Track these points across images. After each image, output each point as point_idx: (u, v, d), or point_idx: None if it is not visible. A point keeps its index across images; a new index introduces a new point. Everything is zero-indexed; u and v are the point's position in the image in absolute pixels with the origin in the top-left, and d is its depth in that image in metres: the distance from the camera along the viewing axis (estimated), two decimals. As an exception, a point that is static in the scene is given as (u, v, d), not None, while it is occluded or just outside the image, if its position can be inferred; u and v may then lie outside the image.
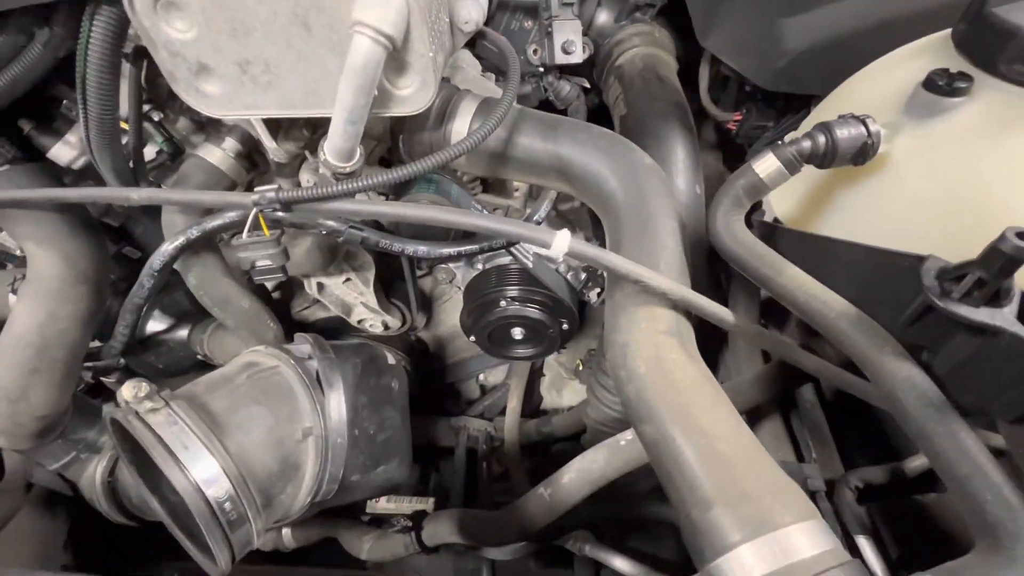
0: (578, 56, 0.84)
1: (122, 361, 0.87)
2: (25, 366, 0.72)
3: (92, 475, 0.87)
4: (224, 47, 0.52)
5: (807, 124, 0.62)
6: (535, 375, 1.29)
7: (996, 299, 0.35)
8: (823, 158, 0.45)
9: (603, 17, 1.03)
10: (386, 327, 1.03)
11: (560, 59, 0.83)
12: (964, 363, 0.37)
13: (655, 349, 0.45)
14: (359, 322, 1.00)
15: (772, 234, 0.53)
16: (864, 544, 0.67)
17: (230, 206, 0.57)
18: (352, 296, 0.93)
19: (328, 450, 0.53)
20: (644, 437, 0.43)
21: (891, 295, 0.41)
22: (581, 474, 0.72)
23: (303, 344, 0.60)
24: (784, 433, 0.80)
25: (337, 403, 0.54)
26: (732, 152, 1.11)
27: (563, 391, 1.31)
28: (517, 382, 1.24)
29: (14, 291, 0.82)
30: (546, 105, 0.97)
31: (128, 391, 0.46)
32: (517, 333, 0.99)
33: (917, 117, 0.44)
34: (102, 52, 0.54)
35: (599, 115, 1.01)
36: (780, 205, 0.55)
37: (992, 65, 0.43)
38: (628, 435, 0.74)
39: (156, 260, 0.64)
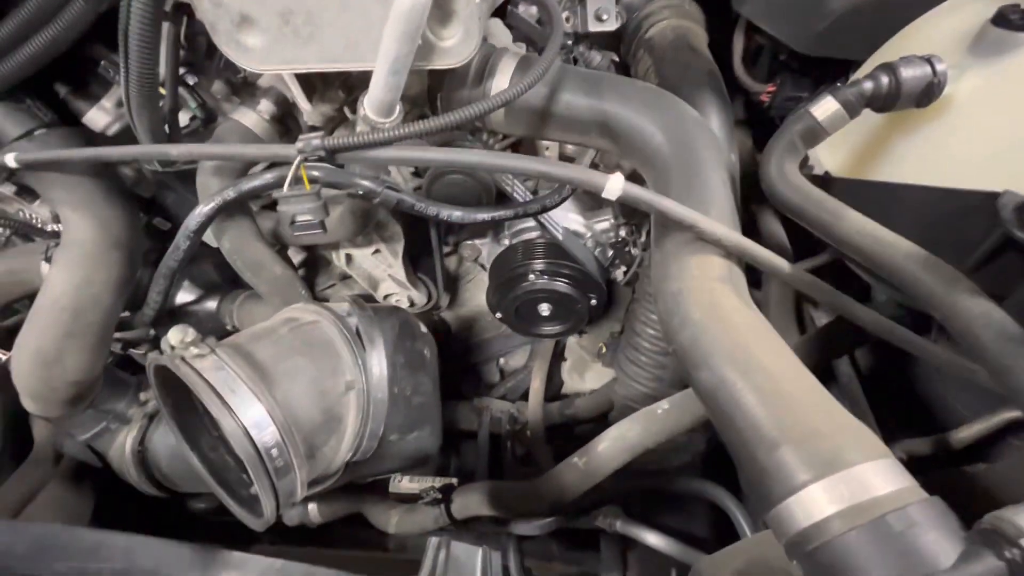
0: (611, 23, 0.83)
1: (152, 332, 0.88)
2: (60, 329, 0.72)
3: (122, 445, 0.88)
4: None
5: (869, 65, 0.60)
6: (556, 359, 1.28)
7: (1082, 229, 0.33)
8: (885, 100, 0.44)
9: (631, -10, 1.02)
10: (412, 303, 1.03)
11: (593, 26, 0.82)
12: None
13: (709, 295, 0.43)
14: (385, 297, 1.00)
15: (825, 188, 0.52)
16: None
17: (275, 157, 0.56)
18: (380, 269, 0.93)
19: (369, 405, 0.53)
20: (700, 384, 0.42)
21: (959, 236, 0.40)
22: (617, 442, 0.71)
23: (342, 302, 0.59)
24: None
25: (378, 359, 0.54)
26: (762, 129, 1.09)
27: (585, 375, 1.30)
28: (540, 363, 1.22)
29: (48, 260, 0.82)
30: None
31: (175, 336, 0.45)
32: (544, 309, 0.98)
33: (986, 55, 0.43)
34: (146, 4, 0.53)
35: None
36: (830, 159, 0.54)
37: (1066, 0, 0.42)
38: (665, 404, 0.72)
39: (192, 221, 0.64)
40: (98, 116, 0.74)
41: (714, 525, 0.88)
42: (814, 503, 0.34)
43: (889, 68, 0.43)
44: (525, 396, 1.24)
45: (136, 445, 0.85)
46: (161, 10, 0.56)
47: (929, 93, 0.43)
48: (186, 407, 0.55)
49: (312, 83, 0.68)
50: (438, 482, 0.97)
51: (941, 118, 0.44)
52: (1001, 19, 0.42)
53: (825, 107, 0.46)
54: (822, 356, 0.78)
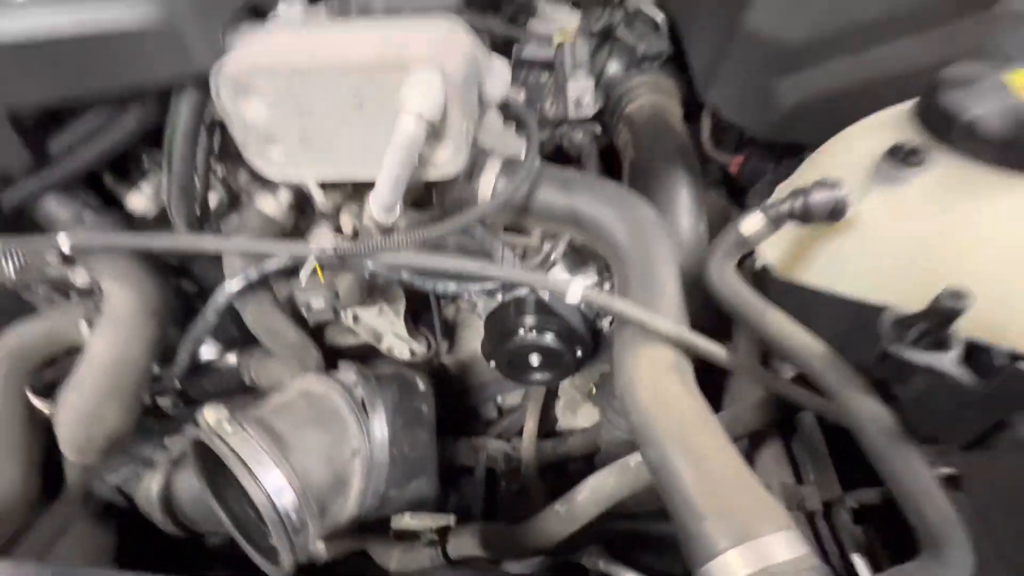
0: (589, 111, 0.93)
1: (177, 384, 0.97)
2: (102, 390, 0.82)
3: (148, 488, 0.97)
4: (290, 123, 0.62)
5: (797, 175, 0.69)
6: (551, 397, 1.36)
7: (941, 346, 0.41)
8: (802, 216, 0.53)
9: (613, 68, 1.13)
10: (412, 353, 1.11)
11: (573, 113, 0.92)
12: (919, 398, 0.44)
13: (657, 384, 0.52)
14: (388, 349, 1.09)
15: (762, 280, 0.60)
16: (859, 562, 0.72)
17: (293, 256, 0.66)
18: (384, 325, 1.02)
19: (372, 468, 0.61)
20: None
21: (863, 338, 0.48)
22: (594, 493, 0.79)
23: (349, 372, 0.68)
24: (784, 456, 0.85)
25: (380, 426, 0.62)
26: (735, 188, 1.18)
27: (577, 413, 1.37)
28: (534, 404, 1.30)
29: (87, 320, 0.92)
30: (559, 151, 1.06)
31: (211, 416, 0.54)
32: (534, 360, 1.06)
33: (881, 183, 0.51)
34: (188, 125, 0.64)
35: (610, 156, 1.10)
36: (771, 252, 0.63)
37: (945, 139, 0.50)
38: (637, 457, 0.80)
39: (221, 298, 0.73)
40: (138, 201, 0.84)
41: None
42: (728, 568, 0.41)
43: (802, 193, 0.52)
44: (521, 432, 1.31)
45: (162, 490, 0.93)
46: (199, 128, 0.66)
47: (835, 214, 0.52)
48: (215, 466, 0.63)
49: (325, 177, 0.78)
50: (437, 520, 1.04)
51: (848, 233, 0.53)
52: (891, 155, 0.51)
53: (753, 223, 0.55)
54: (785, 410, 0.85)
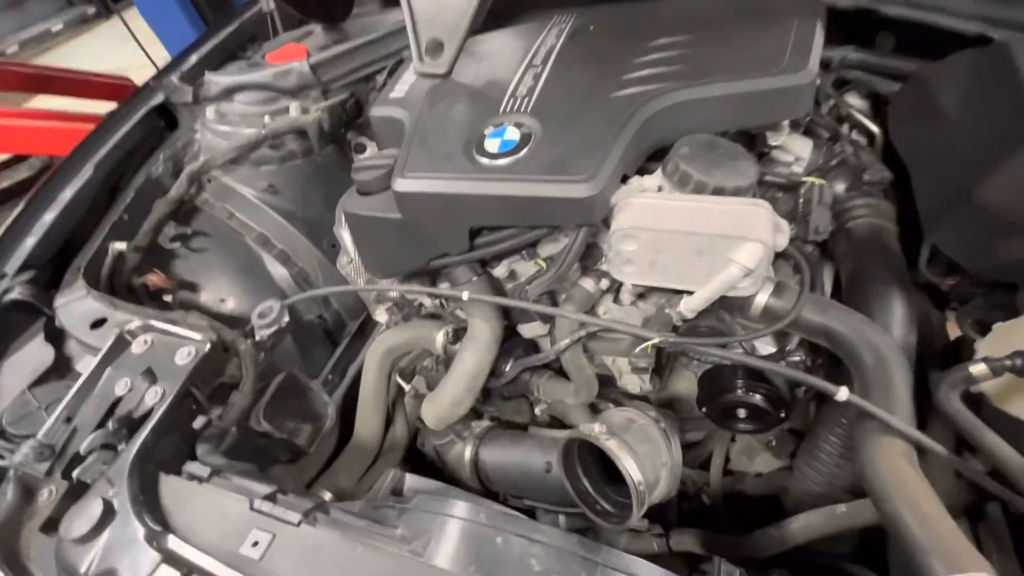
0: (825, 237, 1.21)
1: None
2: (467, 387, 1.29)
3: (459, 453, 1.43)
4: (646, 255, 1.00)
5: (1010, 326, 0.92)
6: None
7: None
8: (1018, 372, 0.78)
9: (838, 187, 1.37)
10: (640, 389, 1.47)
11: (812, 237, 1.21)
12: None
13: (892, 463, 0.81)
14: (623, 385, 1.45)
15: (976, 402, 0.86)
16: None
17: (638, 334, 1.05)
18: (629, 369, 1.39)
19: (672, 472, 0.97)
20: (883, 512, 0.79)
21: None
22: (805, 526, 1.07)
23: (651, 411, 1.06)
24: (970, 534, 1.05)
25: (676, 447, 0.98)
26: (932, 291, 1.35)
27: (754, 459, 1.63)
28: (720, 445, 1.59)
29: (445, 334, 1.40)
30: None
31: (598, 427, 0.95)
32: (741, 413, 1.36)
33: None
34: (578, 244, 1.06)
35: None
36: (986, 385, 0.88)
37: None
38: (843, 507, 1.07)
39: (562, 345, 1.15)
40: (501, 271, 1.30)
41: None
42: (945, 592, 0.69)
43: (1020, 355, 0.78)
44: (701, 465, 1.61)
45: (473, 455, 1.39)
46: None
47: (1045, 375, 0.76)
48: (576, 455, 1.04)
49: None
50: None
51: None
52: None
53: (979, 369, 0.81)
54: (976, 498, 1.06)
